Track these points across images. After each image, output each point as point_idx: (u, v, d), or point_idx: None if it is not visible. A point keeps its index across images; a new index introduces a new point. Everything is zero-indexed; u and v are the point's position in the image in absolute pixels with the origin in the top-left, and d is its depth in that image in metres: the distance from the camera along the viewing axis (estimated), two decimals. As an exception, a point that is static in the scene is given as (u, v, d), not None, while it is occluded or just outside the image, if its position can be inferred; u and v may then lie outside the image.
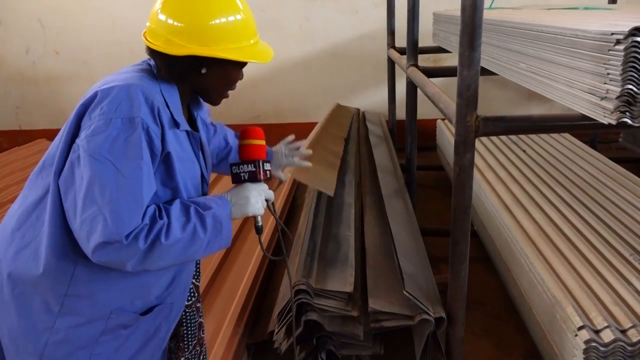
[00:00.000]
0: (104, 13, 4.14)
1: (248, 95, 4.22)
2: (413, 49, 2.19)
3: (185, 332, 1.33)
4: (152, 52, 1.08)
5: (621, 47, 1.03)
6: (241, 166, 1.17)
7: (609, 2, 3.18)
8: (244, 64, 1.13)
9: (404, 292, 1.47)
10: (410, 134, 2.42)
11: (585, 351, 1.28)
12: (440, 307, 1.51)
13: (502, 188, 2.29)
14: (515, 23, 1.64)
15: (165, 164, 1.06)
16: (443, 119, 3.54)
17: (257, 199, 1.16)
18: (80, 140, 0.98)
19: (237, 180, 1.18)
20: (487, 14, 1.61)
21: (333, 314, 1.54)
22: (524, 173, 2.45)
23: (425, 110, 3.01)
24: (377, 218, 2.10)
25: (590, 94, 1.16)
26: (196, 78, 1.11)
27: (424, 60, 2.24)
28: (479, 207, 2.37)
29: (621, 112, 1.07)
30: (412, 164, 2.53)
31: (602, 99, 1.12)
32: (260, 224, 1.20)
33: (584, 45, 1.18)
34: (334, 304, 1.53)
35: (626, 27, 1.02)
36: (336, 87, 4.20)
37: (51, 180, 1.01)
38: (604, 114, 1.11)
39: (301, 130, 4.25)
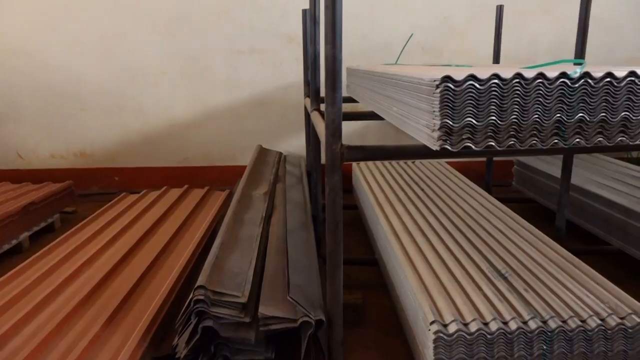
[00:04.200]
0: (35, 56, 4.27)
1: (177, 139, 4.42)
2: (315, 96, 2.49)
3: None
4: None
5: (439, 90, 1.34)
6: None
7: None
8: None
9: (288, 297, 1.68)
10: (315, 171, 2.69)
11: (435, 341, 1.53)
12: (322, 312, 1.72)
13: (396, 220, 2.58)
14: (389, 74, 1.97)
15: None
16: (357, 163, 3.87)
17: None
18: None
19: None
20: (378, 68, 1.93)
21: (228, 321, 1.72)
22: (418, 207, 2.76)
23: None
24: (280, 244, 2.31)
25: (427, 128, 1.46)
26: None
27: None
28: (378, 237, 2.64)
29: (443, 140, 1.37)
30: (317, 200, 2.79)
31: (433, 130, 1.42)
32: None
33: (421, 90, 1.49)
34: (228, 312, 1.71)
35: (442, 75, 1.33)
36: (262, 133, 4.49)
37: None
38: (434, 143, 1.41)
39: (228, 172, 4.51)
